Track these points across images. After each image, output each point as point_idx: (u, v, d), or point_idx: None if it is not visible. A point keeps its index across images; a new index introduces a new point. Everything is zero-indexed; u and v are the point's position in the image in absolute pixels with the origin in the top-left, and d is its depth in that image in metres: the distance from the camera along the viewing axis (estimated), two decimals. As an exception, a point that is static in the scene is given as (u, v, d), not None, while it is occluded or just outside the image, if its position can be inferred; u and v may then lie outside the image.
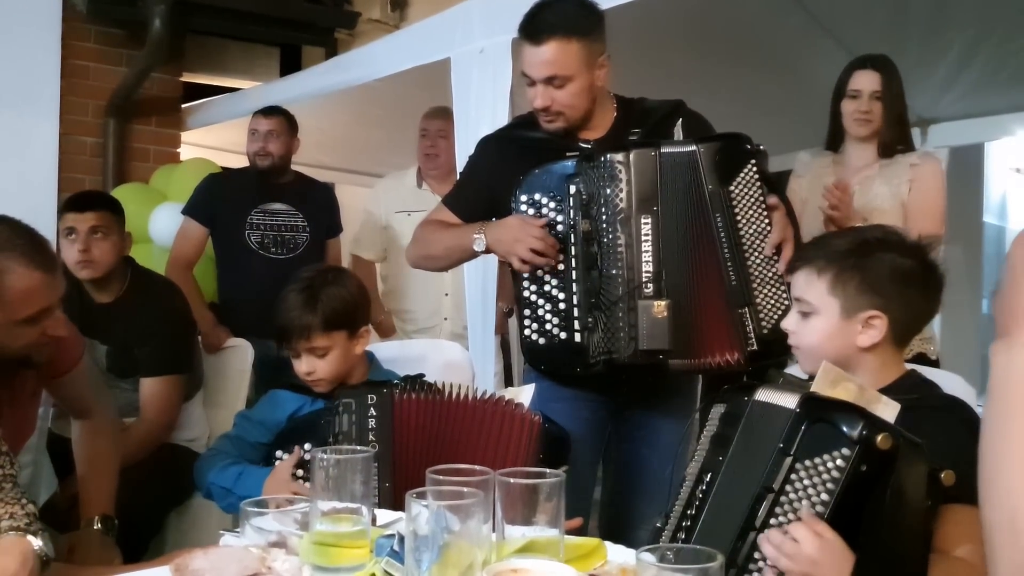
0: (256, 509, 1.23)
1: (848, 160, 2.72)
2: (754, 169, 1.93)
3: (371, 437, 1.76)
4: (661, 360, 1.93)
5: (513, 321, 3.50)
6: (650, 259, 1.92)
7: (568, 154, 2.00)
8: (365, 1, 5.42)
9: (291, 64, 5.47)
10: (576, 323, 1.96)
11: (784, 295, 1.91)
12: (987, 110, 3.87)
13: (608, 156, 1.95)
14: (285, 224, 3.55)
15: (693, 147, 1.95)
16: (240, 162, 4.82)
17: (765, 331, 1.91)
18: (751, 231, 1.93)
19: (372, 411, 1.78)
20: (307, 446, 1.81)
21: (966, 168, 4.79)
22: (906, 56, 2.60)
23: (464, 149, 2.89)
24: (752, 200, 1.94)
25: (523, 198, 1.99)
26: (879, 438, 1.16)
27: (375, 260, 3.80)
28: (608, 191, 1.94)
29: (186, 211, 3.61)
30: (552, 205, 1.97)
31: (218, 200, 3.59)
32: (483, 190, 2.16)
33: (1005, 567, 0.80)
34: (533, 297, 2.00)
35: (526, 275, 2.00)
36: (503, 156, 2.14)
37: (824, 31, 3.35)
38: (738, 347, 1.92)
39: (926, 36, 2.91)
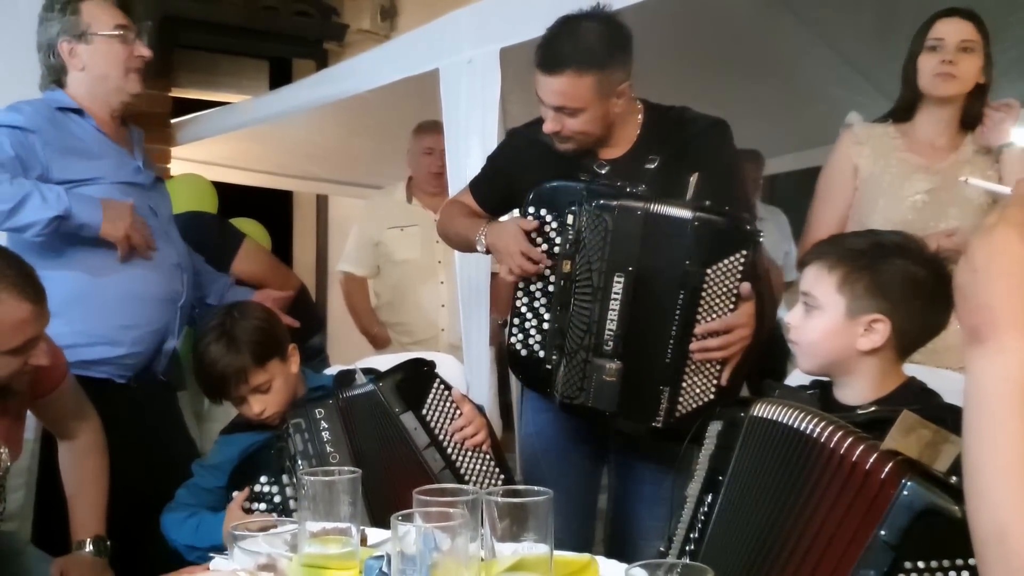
0: (245, 532, 1.23)
1: (918, 131, 2.27)
2: (741, 259, 1.84)
3: (329, 449, 1.76)
4: (608, 418, 1.93)
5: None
6: (615, 319, 1.89)
7: (582, 176, 1.97)
8: (355, 12, 5.40)
9: (281, 77, 5.45)
10: (553, 351, 1.98)
11: (712, 386, 1.88)
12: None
13: (602, 201, 1.89)
14: None
15: (689, 215, 1.84)
16: (230, 176, 4.80)
17: (678, 414, 1.87)
18: (710, 319, 1.86)
19: (323, 424, 1.78)
20: (262, 479, 1.78)
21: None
22: (897, 58, 2.56)
23: (454, 159, 2.88)
24: (724, 289, 1.86)
25: (531, 209, 2.01)
26: None
27: (367, 276, 3.81)
28: (593, 237, 1.92)
29: None
30: (555, 226, 1.98)
31: None
32: (503, 183, 2.18)
33: None
34: (524, 309, 2.03)
35: (520, 285, 2.03)
36: (526, 153, 2.13)
37: (814, 34, 3.34)
38: (644, 420, 1.90)
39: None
